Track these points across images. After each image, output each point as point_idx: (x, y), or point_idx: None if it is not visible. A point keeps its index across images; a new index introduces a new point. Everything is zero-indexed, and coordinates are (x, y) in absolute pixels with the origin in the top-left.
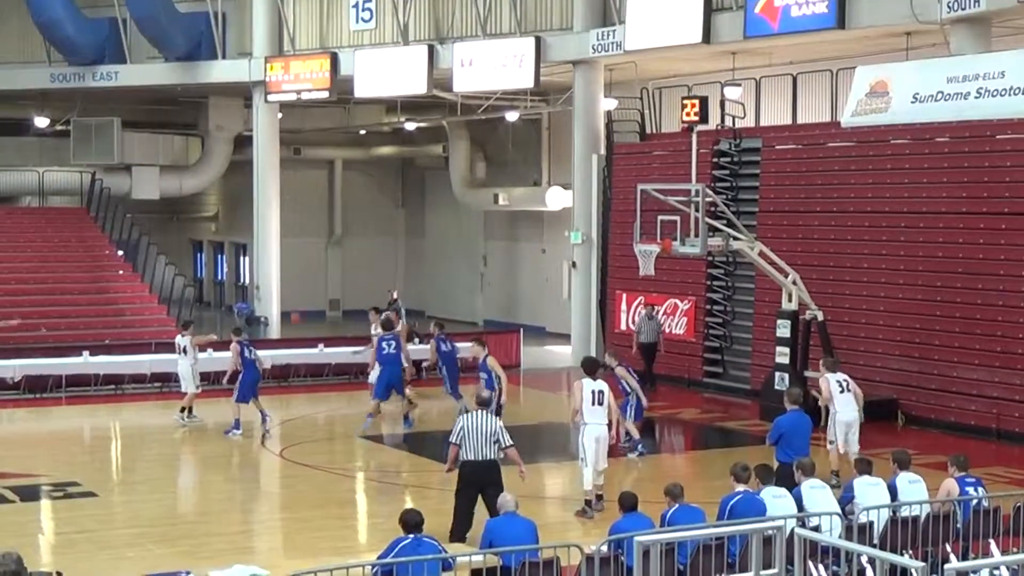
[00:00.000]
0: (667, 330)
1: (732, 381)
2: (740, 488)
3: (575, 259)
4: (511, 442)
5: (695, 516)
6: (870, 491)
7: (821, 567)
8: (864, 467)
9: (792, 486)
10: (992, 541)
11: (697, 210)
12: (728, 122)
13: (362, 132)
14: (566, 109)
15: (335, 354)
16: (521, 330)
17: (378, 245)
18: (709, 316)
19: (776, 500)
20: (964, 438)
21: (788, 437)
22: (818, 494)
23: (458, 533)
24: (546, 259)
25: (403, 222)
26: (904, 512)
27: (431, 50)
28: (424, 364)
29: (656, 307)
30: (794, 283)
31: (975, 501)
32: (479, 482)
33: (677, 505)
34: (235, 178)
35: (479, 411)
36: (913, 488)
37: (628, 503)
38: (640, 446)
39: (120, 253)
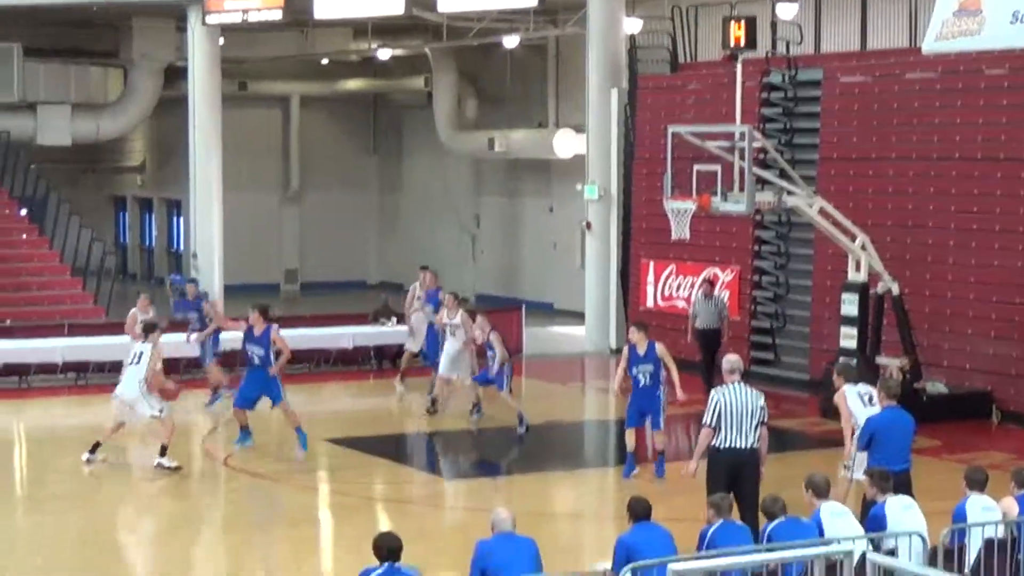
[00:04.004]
0: (689, 309)
1: (785, 370)
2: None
3: (590, 219)
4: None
5: (741, 536)
6: (904, 516)
7: None
8: (886, 484)
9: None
10: None
11: (742, 158)
12: (781, 48)
13: (324, 62)
14: (578, 33)
15: (291, 337)
16: (523, 307)
17: (344, 202)
18: (757, 289)
19: (836, 519)
20: None
21: (881, 440)
22: (840, 522)
23: None
24: (554, 219)
25: (376, 173)
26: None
27: None
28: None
29: (714, 281)
30: (863, 248)
31: None
32: None
33: (721, 521)
34: (166, 119)
35: None
36: (987, 516)
37: (639, 511)
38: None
39: (23, 213)
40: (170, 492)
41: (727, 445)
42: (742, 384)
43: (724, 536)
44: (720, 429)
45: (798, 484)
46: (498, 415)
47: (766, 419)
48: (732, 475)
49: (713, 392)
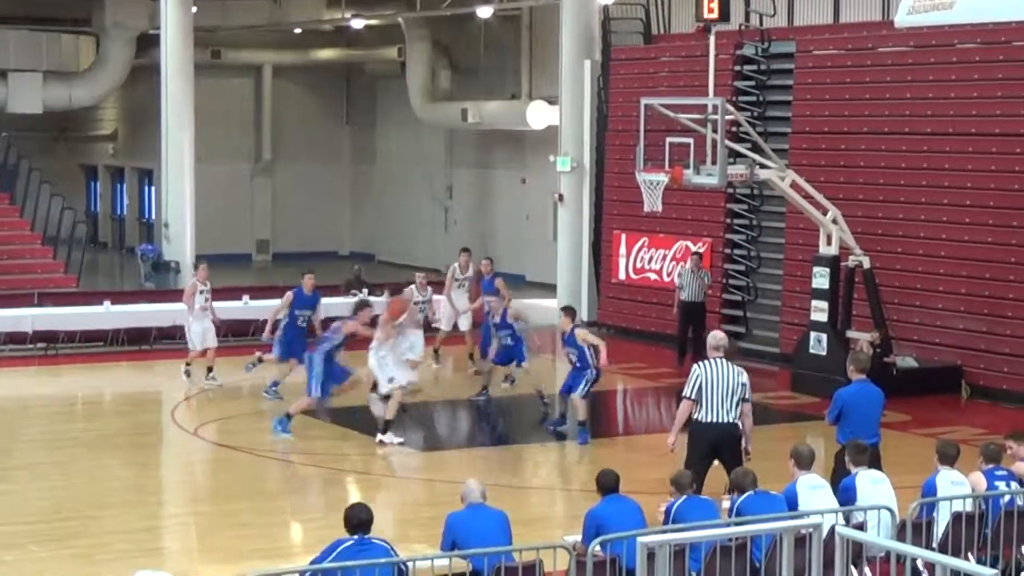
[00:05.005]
0: (673, 279)
1: (757, 343)
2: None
3: (563, 191)
4: None
5: (706, 510)
6: (874, 490)
7: (867, 572)
8: (861, 456)
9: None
10: None
11: (715, 130)
12: (754, 21)
13: (297, 31)
14: (552, 4)
15: (263, 308)
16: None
17: (317, 172)
18: (729, 263)
19: (812, 492)
20: None
21: (850, 414)
22: (816, 495)
23: None
24: (527, 191)
25: (348, 143)
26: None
27: None
28: None
29: (700, 254)
30: (835, 222)
31: (1006, 499)
32: None
33: (685, 497)
34: (138, 88)
35: None
36: (956, 491)
37: (607, 485)
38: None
39: None
40: (141, 463)
41: (708, 419)
42: (724, 360)
43: (689, 510)
44: (701, 403)
45: (768, 457)
46: (467, 388)
47: (748, 396)
48: (713, 448)
49: (695, 366)
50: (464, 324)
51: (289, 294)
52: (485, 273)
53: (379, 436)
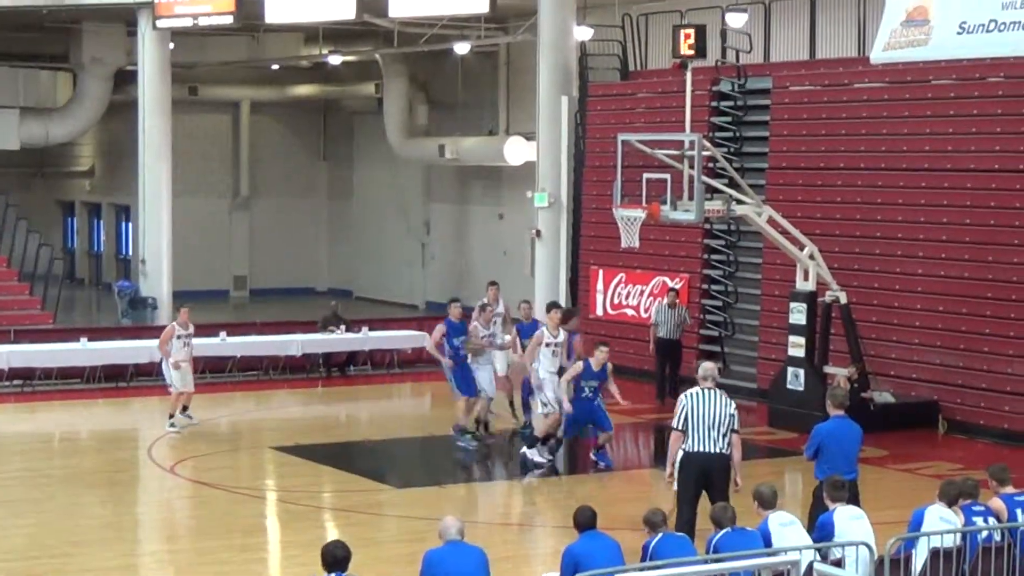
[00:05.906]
0: (650, 316)
1: (734, 378)
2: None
3: (540, 226)
4: None
5: (683, 547)
6: (852, 527)
7: None
8: (839, 493)
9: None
10: None
11: (692, 166)
12: (731, 57)
13: (275, 67)
14: (529, 40)
15: (241, 345)
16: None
17: (294, 208)
18: (706, 298)
19: (784, 529)
20: (1018, 448)
21: (828, 449)
22: (788, 531)
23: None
24: (504, 226)
25: (326, 179)
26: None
27: None
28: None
29: (676, 291)
30: (811, 257)
31: (984, 535)
32: None
33: (660, 535)
34: (115, 124)
35: None
36: (941, 527)
37: (584, 521)
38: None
39: None
40: (117, 500)
41: (696, 449)
42: (714, 391)
43: (666, 548)
44: (688, 433)
45: (745, 494)
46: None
47: (736, 426)
48: (702, 479)
49: (682, 396)
50: (501, 367)
51: (441, 326)
52: (525, 319)
53: (523, 448)
